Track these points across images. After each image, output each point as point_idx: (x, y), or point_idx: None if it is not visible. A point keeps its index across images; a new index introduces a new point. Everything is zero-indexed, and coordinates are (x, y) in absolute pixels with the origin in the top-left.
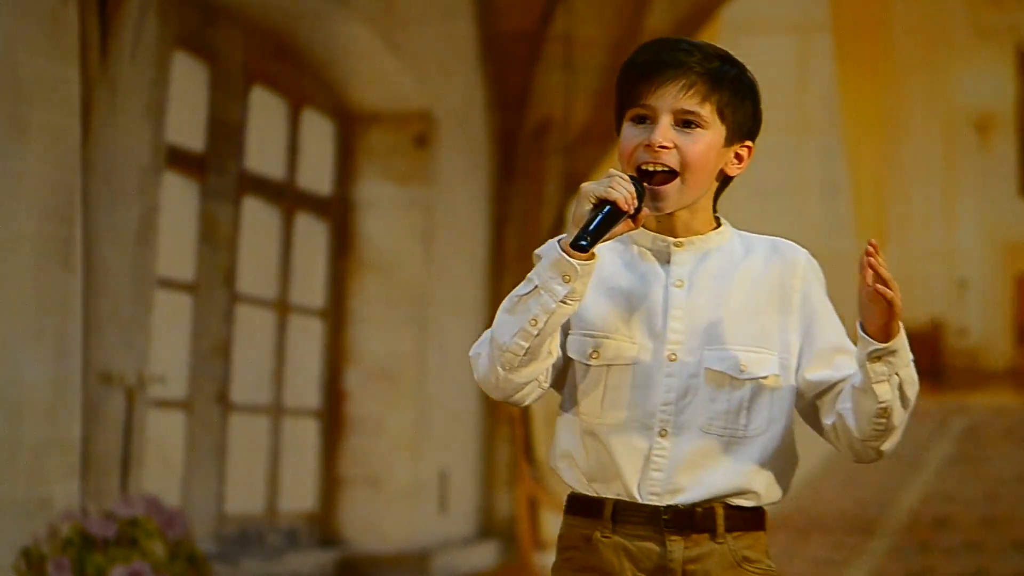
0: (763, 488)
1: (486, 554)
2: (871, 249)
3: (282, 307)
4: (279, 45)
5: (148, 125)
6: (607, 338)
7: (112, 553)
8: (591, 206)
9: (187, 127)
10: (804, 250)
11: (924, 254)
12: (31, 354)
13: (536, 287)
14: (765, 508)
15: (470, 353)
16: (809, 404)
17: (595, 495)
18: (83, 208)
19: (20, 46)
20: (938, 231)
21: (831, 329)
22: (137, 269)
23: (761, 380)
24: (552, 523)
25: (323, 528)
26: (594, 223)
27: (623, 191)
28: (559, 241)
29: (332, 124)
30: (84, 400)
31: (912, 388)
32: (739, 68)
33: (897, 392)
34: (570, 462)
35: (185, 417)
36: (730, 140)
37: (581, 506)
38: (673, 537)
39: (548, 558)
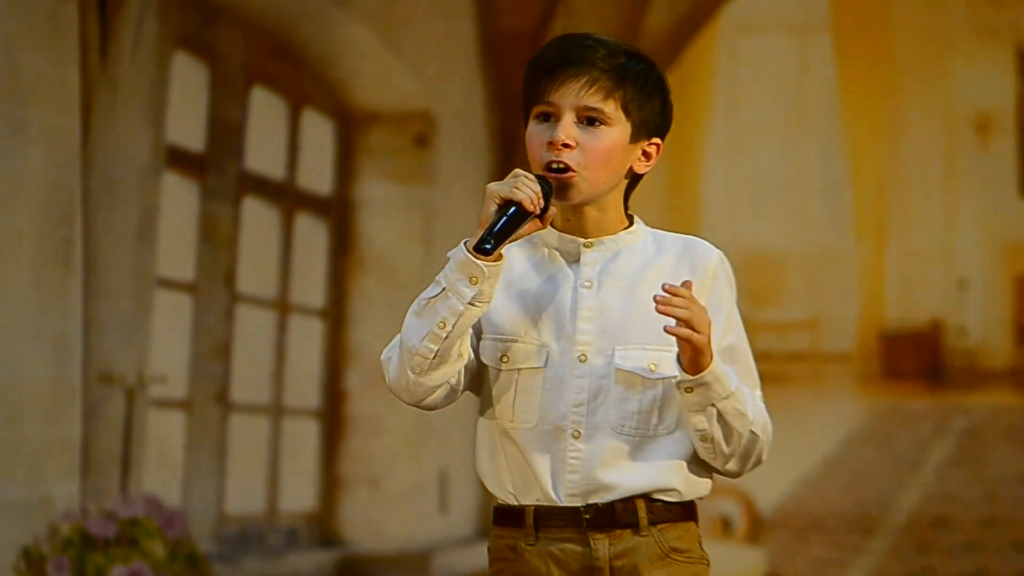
0: (682, 485)
1: (486, 554)
2: (665, 295)
3: (282, 307)
4: (279, 45)
5: (148, 125)
6: (516, 342)
7: (112, 553)
8: (496, 207)
9: (187, 127)
10: (717, 251)
11: (924, 254)
12: (31, 354)
13: (444, 289)
14: (694, 501)
15: (381, 358)
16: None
17: (516, 504)
18: (83, 208)
19: (20, 46)
20: (938, 231)
21: (729, 336)
22: (137, 269)
23: (672, 379)
24: None
25: (323, 528)
26: (498, 225)
27: (528, 191)
28: (465, 242)
29: (332, 124)
30: (84, 400)
31: (740, 420)
32: (646, 64)
33: (717, 423)
34: (491, 470)
35: (185, 417)
36: (636, 137)
37: (504, 516)
38: (597, 535)
39: None
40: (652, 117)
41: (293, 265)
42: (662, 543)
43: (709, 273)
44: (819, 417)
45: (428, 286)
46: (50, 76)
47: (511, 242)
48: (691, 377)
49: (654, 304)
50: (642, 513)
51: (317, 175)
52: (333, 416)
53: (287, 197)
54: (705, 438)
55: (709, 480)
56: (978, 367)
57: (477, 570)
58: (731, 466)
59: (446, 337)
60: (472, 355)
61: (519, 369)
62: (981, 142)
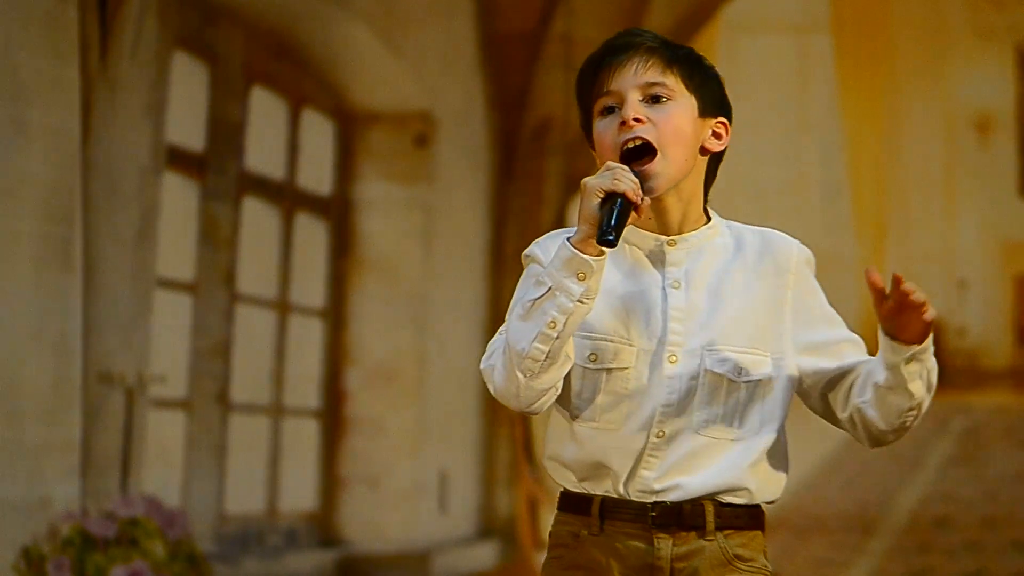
0: (754, 486)
1: (486, 554)
2: (904, 287)
3: (282, 307)
4: (279, 45)
5: (148, 125)
6: (606, 341)
7: (112, 553)
8: (599, 200)
9: (187, 127)
10: (795, 241)
11: (924, 254)
12: (31, 354)
13: (550, 288)
14: (762, 507)
15: (481, 366)
16: (819, 398)
17: (584, 492)
18: (83, 208)
19: (20, 46)
20: (938, 231)
21: (827, 320)
22: (137, 269)
23: (756, 382)
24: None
25: (323, 528)
26: (614, 217)
27: (629, 182)
28: (568, 239)
29: (332, 124)
30: (84, 400)
31: (935, 374)
32: (693, 51)
33: (926, 385)
34: (561, 461)
35: (185, 417)
36: (704, 112)
37: (570, 503)
38: (661, 535)
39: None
40: (713, 96)
41: (293, 265)
42: (726, 549)
43: (791, 268)
44: (819, 417)
45: (527, 289)
46: (50, 76)
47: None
48: (919, 347)
49: (740, 305)
50: (709, 517)
51: (317, 175)
52: (333, 416)
53: (287, 197)
54: (917, 406)
55: (781, 484)
56: (978, 367)
57: (477, 570)
58: (910, 430)
59: (557, 337)
60: None
61: (608, 369)
62: (981, 142)
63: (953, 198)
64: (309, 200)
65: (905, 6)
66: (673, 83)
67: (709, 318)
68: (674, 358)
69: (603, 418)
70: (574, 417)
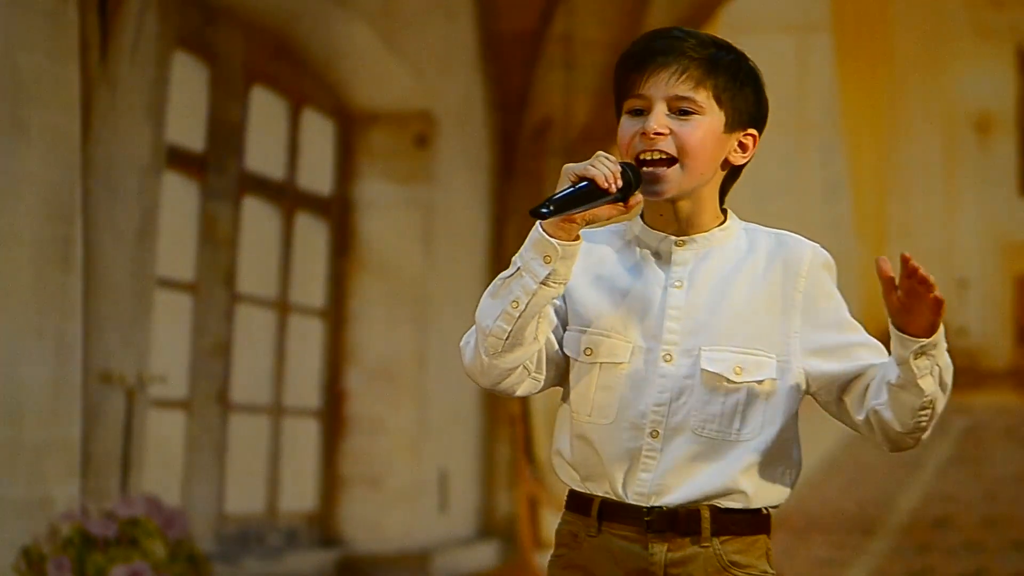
0: (751, 489)
1: (486, 554)
2: (912, 263)
3: (282, 307)
4: (279, 45)
5: (148, 125)
6: (602, 336)
7: (112, 553)
8: (569, 183)
9: (187, 127)
10: (811, 244)
11: (924, 254)
12: (31, 354)
13: (518, 268)
14: (765, 511)
15: (460, 343)
16: (834, 400)
17: (586, 492)
18: (83, 208)
19: (20, 46)
20: (938, 231)
21: (841, 324)
22: (137, 269)
23: (757, 384)
24: (552, 523)
25: (323, 528)
26: (562, 193)
27: (603, 169)
28: (540, 222)
29: (332, 124)
30: (84, 400)
31: (949, 373)
32: (737, 55)
33: (938, 382)
34: (563, 457)
35: (185, 417)
36: (731, 127)
37: (574, 503)
38: (656, 540)
39: (548, 558)
40: (746, 107)
41: (293, 265)
42: (722, 556)
43: (803, 272)
44: (819, 417)
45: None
46: (50, 75)
47: (588, 222)
48: (927, 340)
49: (745, 306)
50: (705, 523)
51: (317, 175)
52: (333, 416)
53: (287, 197)
54: (928, 404)
55: (783, 489)
56: (978, 367)
57: (477, 570)
58: (928, 432)
59: (519, 317)
60: (556, 346)
61: (600, 363)
62: (981, 142)
63: (953, 198)
64: (309, 200)
65: (905, 6)
66: (704, 99)
67: (709, 318)
68: (669, 357)
69: (596, 412)
70: (572, 411)
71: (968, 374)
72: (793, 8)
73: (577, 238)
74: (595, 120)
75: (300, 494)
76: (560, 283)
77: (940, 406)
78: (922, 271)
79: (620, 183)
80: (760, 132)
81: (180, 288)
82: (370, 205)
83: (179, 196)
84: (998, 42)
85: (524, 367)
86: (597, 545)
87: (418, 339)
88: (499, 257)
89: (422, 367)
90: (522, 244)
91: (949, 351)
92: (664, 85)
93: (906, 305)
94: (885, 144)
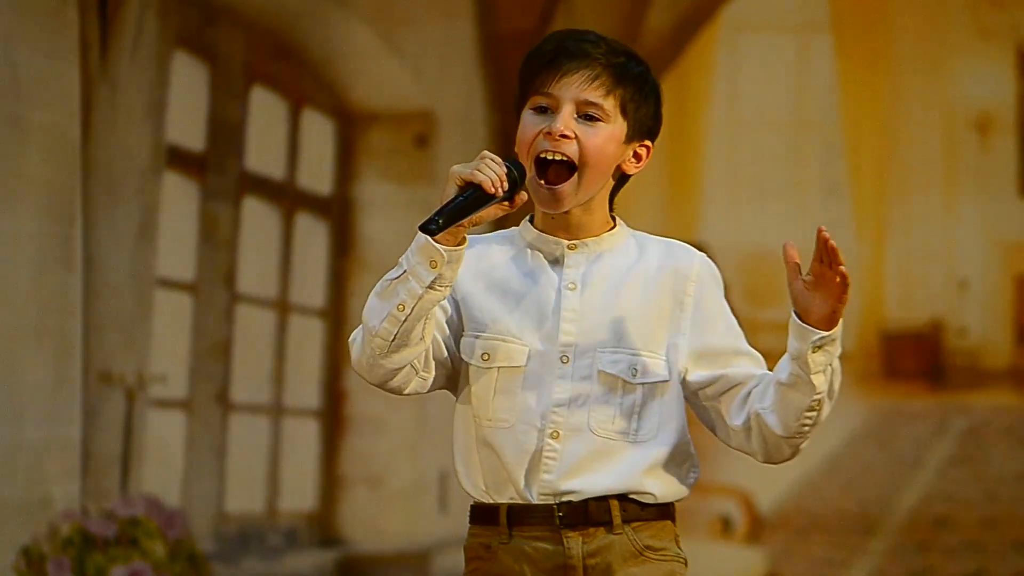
0: (658, 490)
1: None
2: (824, 233)
3: (282, 307)
4: (279, 45)
5: (148, 125)
6: (498, 340)
7: (112, 553)
8: (456, 188)
9: (187, 127)
10: (700, 253)
11: (924, 254)
12: (31, 354)
13: (404, 272)
14: (669, 504)
15: (349, 339)
16: (708, 406)
17: (491, 502)
18: (83, 208)
19: (20, 45)
20: (938, 231)
21: (727, 331)
22: (137, 269)
23: (653, 384)
24: None
25: (323, 528)
26: (451, 205)
27: (490, 173)
28: (422, 226)
29: (332, 124)
30: (84, 400)
31: (839, 379)
32: (644, 67)
33: (828, 383)
34: (466, 469)
35: (185, 417)
36: (631, 137)
37: (480, 515)
38: (570, 534)
39: None
40: (647, 119)
41: (293, 265)
42: (636, 541)
43: (692, 277)
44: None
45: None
46: (50, 75)
47: (475, 224)
48: (826, 333)
49: (637, 308)
50: (615, 512)
51: (317, 175)
52: (333, 416)
53: (287, 197)
54: (816, 404)
55: (686, 483)
56: (978, 367)
57: None
58: (807, 442)
59: (404, 320)
60: (445, 350)
61: (499, 367)
62: (981, 142)
63: (953, 198)
64: (309, 200)
65: (905, 6)
66: (611, 107)
67: (604, 319)
68: (566, 359)
69: (496, 416)
70: (471, 417)
71: (968, 374)
72: (793, 8)
73: (463, 241)
74: None
75: (300, 494)
76: (446, 286)
77: (825, 413)
78: (832, 242)
79: (506, 186)
80: (653, 143)
81: (180, 288)
82: (370, 205)
83: (179, 196)
84: (998, 42)
85: (411, 366)
86: (511, 550)
87: None
88: None
89: None
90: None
91: (950, 351)
92: (575, 88)
93: (811, 289)
94: (885, 144)
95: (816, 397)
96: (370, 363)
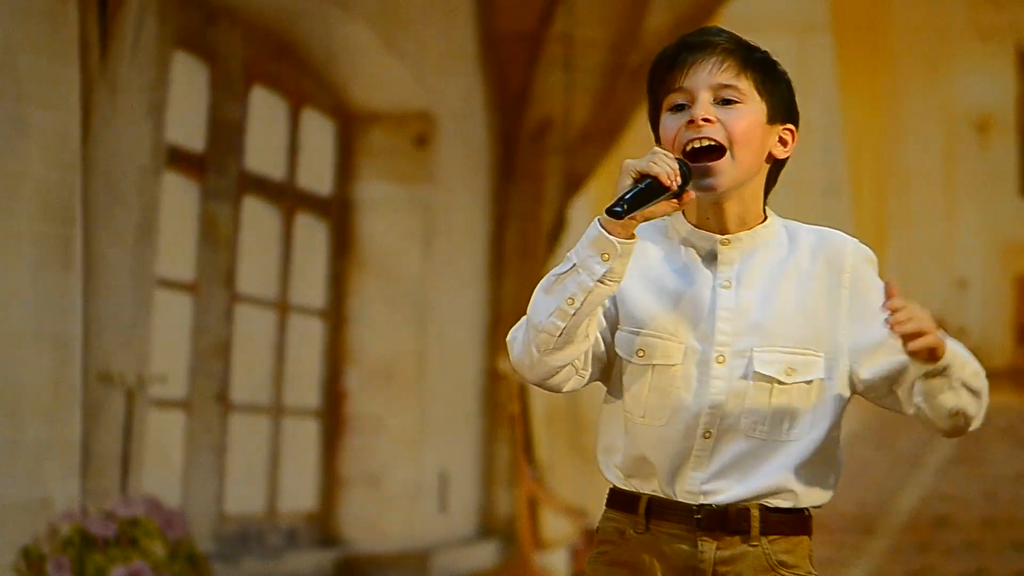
0: (800, 488)
1: (486, 554)
2: (891, 289)
3: (282, 307)
4: (279, 45)
5: (148, 125)
6: (654, 337)
7: (112, 553)
8: (631, 180)
9: (187, 127)
10: (853, 239)
11: (924, 254)
12: (31, 354)
13: (574, 265)
14: (808, 512)
15: (507, 337)
16: (886, 394)
17: (632, 490)
18: (83, 208)
19: (20, 46)
20: (938, 231)
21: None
22: (137, 269)
23: (807, 384)
24: (552, 523)
25: (323, 528)
26: (632, 192)
27: (665, 166)
28: (599, 219)
29: (332, 124)
30: (84, 400)
31: (978, 379)
32: (767, 54)
33: (964, 392)
34: (610, 457)
35: (185, 417)
36: (772, 118)
37: (618, 500)
38: (705, 537)
39: (548, 558)
40: (783, 101)
41: (293, 265)
42: (770, 555)
43: (846, 267)
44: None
45: (559, 264)
46: (50, 76)
47: (646, 219)
48: (934, 366)
49: (793, 305)
50: (755, 522)
51: (317, 175)
52: (333, 416)
53: (287, 197)
54: (955, 413)
55: (829, 488)
56: None
57: (477, 570)
58: (975, 424)
59: (574, 314)
60: (603, 344)
61: (654, 365)
62: (981, 142)
63: (953, 198)
64: (309, 200)
65: (905, 6)
66: (746, 87)
67: (759, 318)
68: (722, 359)
69: (650, 413)
70: (622, 411)
71: None
72: (793, 8)
73: (633, 236)
74: (594, 120)
75: (300, 494)
76: (616, 281)
77: (973, 410)
78: (899, 327)
79: (679, 180)
80: (797, 128)
81: (180, 288)
82: (370, 205)
83: (179, 196)
84: (998, 42)
85: (572, 364)
86: (644, 542)
87: (418, 339)
88: (499, 257)
89: (422, 367)
90: (521, 245)
91: None
92: (706, 75)
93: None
94: (885, 144)
95: (951, 408)
96: (533, 361)
